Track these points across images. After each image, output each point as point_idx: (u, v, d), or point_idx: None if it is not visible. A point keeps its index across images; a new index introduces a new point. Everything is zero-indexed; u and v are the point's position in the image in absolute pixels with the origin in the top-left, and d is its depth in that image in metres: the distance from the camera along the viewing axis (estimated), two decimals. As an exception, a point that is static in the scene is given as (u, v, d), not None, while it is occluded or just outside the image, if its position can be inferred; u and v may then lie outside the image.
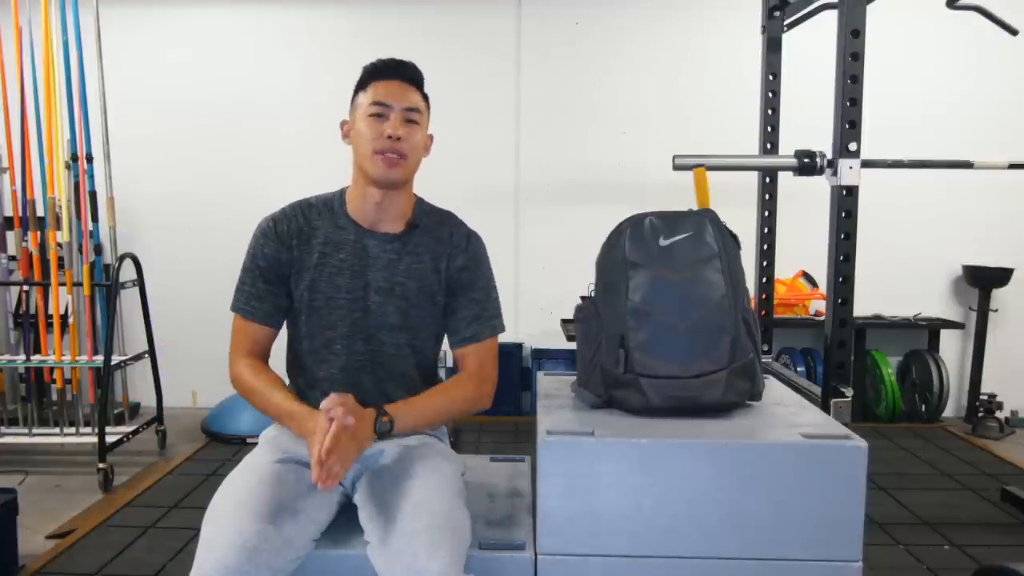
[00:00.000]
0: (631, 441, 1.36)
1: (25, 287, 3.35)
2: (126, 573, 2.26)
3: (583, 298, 1.62)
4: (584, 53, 3.94)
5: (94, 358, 3.24)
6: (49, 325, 3.27)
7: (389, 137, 1.44)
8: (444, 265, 1.55)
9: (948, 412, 3.89)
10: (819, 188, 2.05)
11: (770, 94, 2.53)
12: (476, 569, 1.29)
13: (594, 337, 1.54)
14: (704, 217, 1.54)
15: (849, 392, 1.94)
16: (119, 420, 3.51)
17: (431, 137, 1.56)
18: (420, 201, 1.60)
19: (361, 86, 1.51)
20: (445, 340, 1.63)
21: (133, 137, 3.81)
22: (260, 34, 3.99)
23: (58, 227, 3.21)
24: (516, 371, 3.92)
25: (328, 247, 1.52)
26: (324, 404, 1.33)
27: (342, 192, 1.58)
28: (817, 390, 2.03)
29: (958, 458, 3.31)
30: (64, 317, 3.25)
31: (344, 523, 1.43)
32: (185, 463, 3.24)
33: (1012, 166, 2.16)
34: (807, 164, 2.01)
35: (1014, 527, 2.60)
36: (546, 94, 3.95)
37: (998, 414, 3.66)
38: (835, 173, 1.93)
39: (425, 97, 1.53)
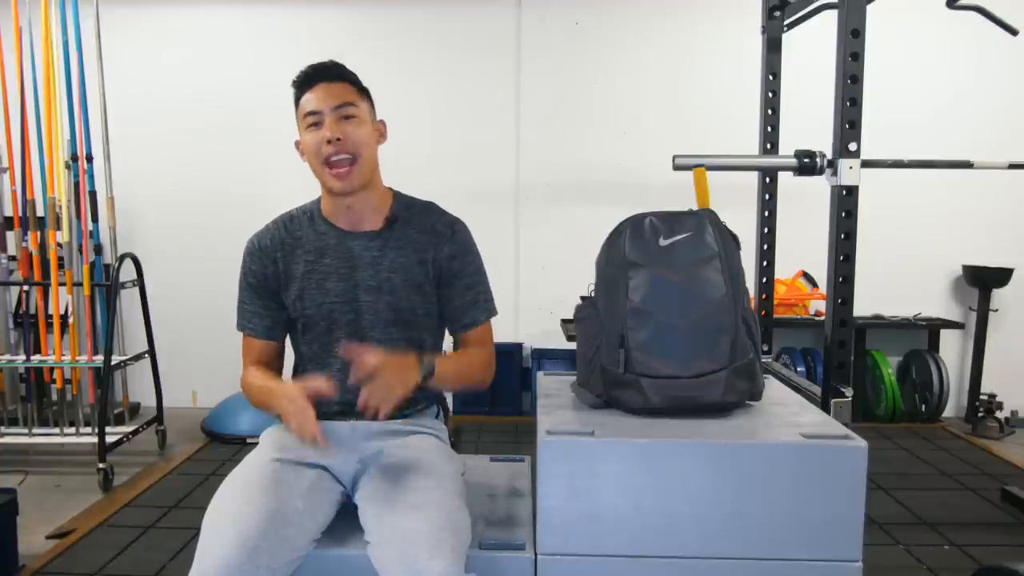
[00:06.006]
0: (631, 441, 1.36)
1: (25, 287, 3.35)
2: (126, 573, 2.26)
3: (583, 298, 1.62)
4: (584, 53, 3.94)
5: (94, 358, 3.24)
6: (49, 325, 3.27)
7: (329, 142, 1.44)
8: (431, 256, 1.55)
9: (948, 412, 3.88)
10: (819, 188, 2.05)
11: (770, 94, 2.53)
12: (476, 569, 1.28)
13: (594, 337, 1.54)
14: (704, 217, 1.54)
15: (849, 392, 1.94)
16: (119, 420, 3.51)
17: (383, 122, 1.55)
18: (398, 195, 1.60)
19: (295, 103, 1.51)
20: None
21: (133, 137, 3.81)
22: (260, 34, 3.98)
23: (58, 227, 3.21)
24: (516, 371, 3.91)
25: (312, 255, 1.53)
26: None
27: (319, 199, 1.59)
28: (817, 390, 2.03)
29: (958, 458, 3.31)
30: (64, 317, 3.25)
31: (344, 523, 1.43)
32: (185, 463, 3.24)
33: (1012, 166, 2.15)
34: (807, 164, 2.01)
35: (1014, 527, 2.60)
36: (546, 94, 3.95)
37: (998, 414, 3.66)
38: (835, 173, 1.93)
39: (360, 88, 1.52)
